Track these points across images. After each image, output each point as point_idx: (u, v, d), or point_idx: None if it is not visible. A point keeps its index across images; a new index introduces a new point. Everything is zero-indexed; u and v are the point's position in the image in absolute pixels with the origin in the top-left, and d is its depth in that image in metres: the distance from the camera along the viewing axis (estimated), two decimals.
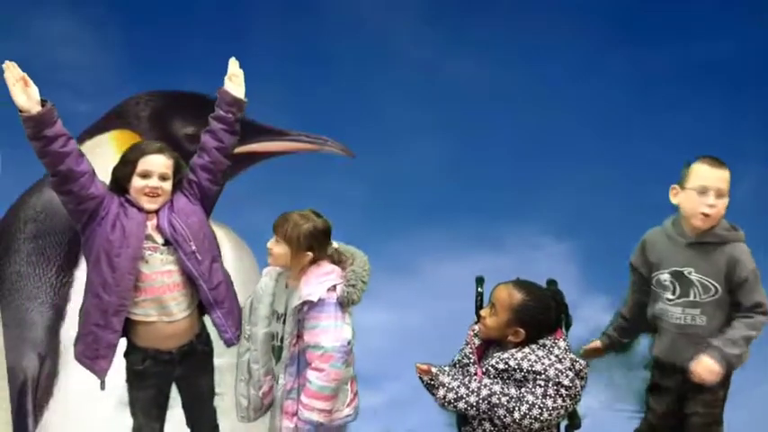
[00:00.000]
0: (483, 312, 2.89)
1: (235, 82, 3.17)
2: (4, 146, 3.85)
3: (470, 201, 3.94)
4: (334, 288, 2.94)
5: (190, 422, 3.26)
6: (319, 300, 2.89)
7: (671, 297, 3.12)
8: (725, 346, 3.02)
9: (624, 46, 3.88)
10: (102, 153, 3.93)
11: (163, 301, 3.04)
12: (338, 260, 3.02)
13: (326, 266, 2.98)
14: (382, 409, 3.90)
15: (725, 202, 3.04)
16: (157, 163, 3.02)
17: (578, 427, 2.96)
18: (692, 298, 3.09)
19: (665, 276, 3.14)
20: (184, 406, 3.23)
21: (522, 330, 2.83)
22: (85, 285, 3.10)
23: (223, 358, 3.27)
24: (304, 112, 3.96)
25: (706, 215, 3.01)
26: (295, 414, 2.97)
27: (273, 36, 3.91)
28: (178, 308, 3.07)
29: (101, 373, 3.07)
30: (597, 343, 3.36)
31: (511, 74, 3.90)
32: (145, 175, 3.01)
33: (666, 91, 3.89)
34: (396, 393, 3.89)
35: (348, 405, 3.05)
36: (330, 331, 2.92)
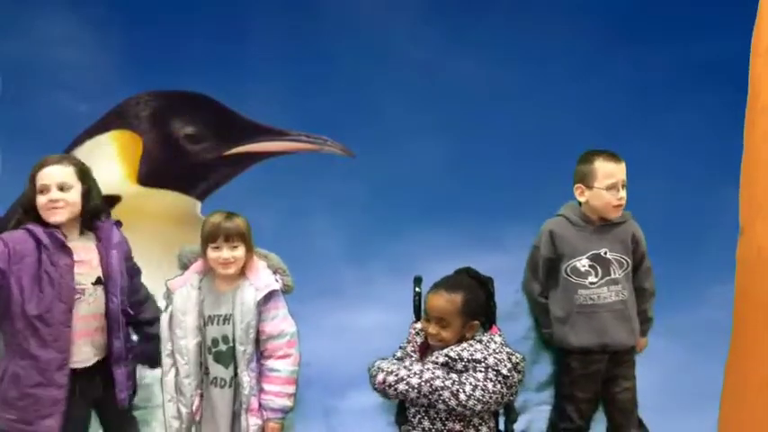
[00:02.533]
0: (431, 330, 2.94)
1: None
2: (3, 146, 3.86)
3: (470, 201, 3.94)
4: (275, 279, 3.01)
5: None
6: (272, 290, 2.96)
7: (594, 280, 3.30)
8: (650, 321, 3.40)
9: (624, 46, 3.88)
10: (102, 153, 3.94)
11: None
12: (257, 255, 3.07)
13: (259, 260, 3.02)
14: (382, 408, 3.90)
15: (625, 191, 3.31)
16: (53, 173, 2.88)
17: (515, 420, 3.04)
18: (612, 276, 3.26)
19: (582, 263, 3.30)
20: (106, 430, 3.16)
21: (475, 322, 2.89)
22: (5, 350, 2.90)
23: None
24: (304, 112, 3.96)
25: (616, 207, 3.18)
26: (259, 409, 2.97)
27: (273, 36, 3.91)
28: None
29: None
30: None
31: (511, 74, 3.90)
32: (43, 191, 2.87)
33: (666, 91, 3.89)
34: None
35: None
36: (288, 318, 3.01)
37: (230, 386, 3.01)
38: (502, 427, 3.05)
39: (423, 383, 2.83)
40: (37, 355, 2.83)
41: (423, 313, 3.02)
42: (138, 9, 3.87)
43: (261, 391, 2.98)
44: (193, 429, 3.07)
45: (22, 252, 2.83)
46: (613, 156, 3.34)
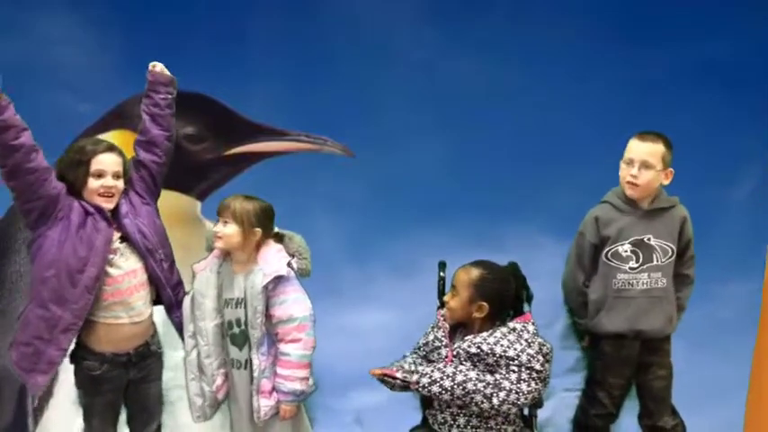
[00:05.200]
0: (446, 298, 2.94)
1: (159, 66, 3.13)
2: None
3: (470, 201, 3.94)
4: (288, 263, 3.04)
5: (134, 430, 3.20)
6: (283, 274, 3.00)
7: (635, 265, 3.28)
8: (682, 310, 3.39)
9: (624, 46, 3.88)
10: None
11: (130, 302, 3.00)
12: (279, 241, 3.12)
13: (274, 245, 3.06)
14: (383, 408, 3.90)
15: (651, 173, 3.21)
16: (110, 161, 2.98)
17: (541, 405, 3.04)
18: (655, 262, 3.25)
19: (624, 247, 3.29)
20: (130, 416, 3.18)
21: (484, 304, 2.90)
22: (30, 290, 2.96)
23: (180, 352, 3.28)
24: (304, 112, 3.96)
25: (630, 184, 3.19)
26: (272, 391, 3.02)
27: (274, 36, 3.91)
28: (144, 306, 3.06)
29: (35, 390, 2.97)
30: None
31: (511, 74, 3.90)
32: (99, 175, 2.94)
33: (666, 91, 3.89)
34: (396, 393, 3.89)
35: (311, 375, 3.12)
36: (300, 302, 3.04)
37: (245, 368, 3.08)
38: (526, 412, 3.05)
39: (456, 386, 2.83)
40: (52, 309, 2.87)
41: None
42: (138, 9, 3.87)
43: (274, 373, 3.04)
44: (223, 406, 3.20)
45: (72, 206, 2.91)
46: (645, 134, 3.33)
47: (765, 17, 3.86)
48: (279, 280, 3.01)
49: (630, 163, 3.29)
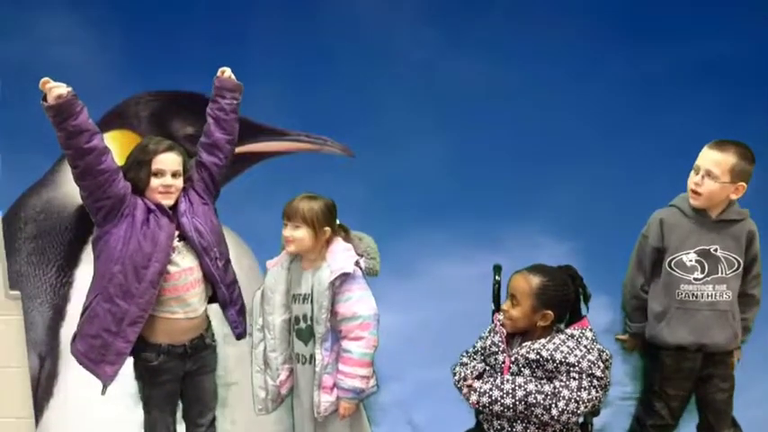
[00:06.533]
0: (505, 306, 2.92)
1: (227, 72, 3.19)
2: (3, 146, 3.86)
3: (470, 201, 3.94)
4: (356, 261, 3.07)
5: (189, 422, 3.26)
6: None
7: (699, 276, 3.18)
8: (748, 332, 3.31)
9: (624, 46, 3.88)
10: None
11: (186, 299, 3.07)
12: (346, 237, 3.20)
13: (343, 243, 3.09)
14: (385, 409, 3.90)
15: (715, 184, 3.11)
16: (170, 161, 3.09)
17: (597, 414, 3.00)
18: (720, 274, 3.16)
19: (690, 257, 3.19)
20: (186, 408, 3.24)
21: (549, 312, 2.87)
22: (94, 284, 3.08)
23: (235, 347, 3.33)
24: (304, 112, 3.96)
25: (693, 192, 3.12)
26: (333, 387, 3.05)
27: (273, 36, 3.91)
28: (200, 303, 3.12)
29: (105, 379, 3.07)
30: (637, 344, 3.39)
31: (511, 74, 3.90)
32: (158, 174, 3.03)
33: (666, 91, 3.89)
34: (398, 394, 3.90)
35: (373, 375, 3.14)
36: (364, 300, 3.09)
37: (310, 363, 3.12)
38: (582, 420, 3.01)
39: (517, 403, 2.80)
40: (119, 303, 2.97)
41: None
42: (138, 9, 3.87)
43: (337, 370, 3.08)
44: (288, 401, 3.27)
45: (136, 203, 3.03)
46: (719, 143, 3.21)
47: (765, 17, 3.85)
48: (345, 277, 3.05)
49: (697, 170, 3.20)
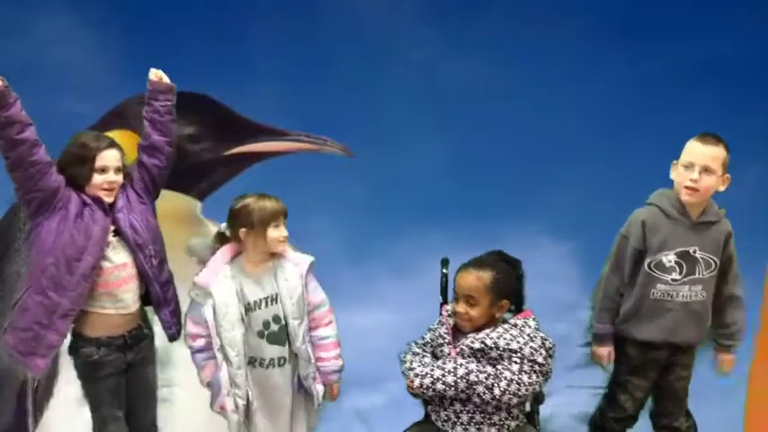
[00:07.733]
0: (459, 309, 2.93)
1: (158, 74, 3.16)
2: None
3: (470, 201, 3.94)
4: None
5: (132, 417, 3.22)
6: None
7: (677, 277, 3.16)
8: (741, 333, 3.29)
9: (624, 46, 3.88)
10: None
11: (118, 295, 3.04)
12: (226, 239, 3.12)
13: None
14: (383, 409, 3.90)
15: (712, 179, 3.09)
16: (112, 157, 3.04)
17: (542, 402, 3.02)
18: (697, 275, 3.15)
19: (669, 258, 3.16)
20: (129, 400, 3.20)
21: (505, 301, 2.89)
22: (27, 276, 3.05)
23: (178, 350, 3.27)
24: (304, 112, 3.96)
25: (689, 189, 3.08)
26: (316, 375, 3.06)
27: (273, 36, 3.91)
28: (132, 300, 3.09)
29: (36, 372, 3.06)
30: (605, 351, 3.36)
31: (511, 74, 3.90)
32: (102, 170, 3.01)
33: (666, 91, 3.89)
34: (396, 394, 3.89)
35: None
36: (318, 285, 3.11)
37: (289, 362, 3.08)
38: (528, 408, 3.04)
39: (459, 380, 2.83)
40: (51, 296, 2.94)
41: (451, 294, 3.02)
42: (138, 9, 3.87)
43: (318, 358, 3.09)
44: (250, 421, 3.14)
45: (70, 197, 2.98)
46: (708, 137, 3.15)
47: (765, 17, 3.85)
48: (311, 267, 3.05)
49: (690, 167, 3.11)
